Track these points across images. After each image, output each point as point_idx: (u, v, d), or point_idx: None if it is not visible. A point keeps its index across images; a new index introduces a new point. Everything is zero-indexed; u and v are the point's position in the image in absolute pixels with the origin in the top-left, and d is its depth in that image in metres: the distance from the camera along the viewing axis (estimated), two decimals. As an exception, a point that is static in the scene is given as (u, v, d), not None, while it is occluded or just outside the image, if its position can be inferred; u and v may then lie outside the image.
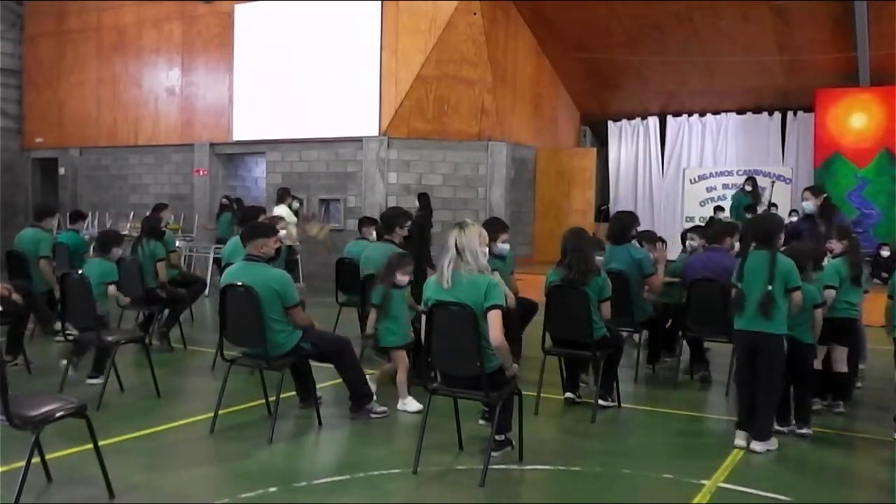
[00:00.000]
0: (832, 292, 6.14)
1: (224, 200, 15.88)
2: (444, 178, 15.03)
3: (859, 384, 7.19)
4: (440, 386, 4.93)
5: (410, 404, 6.13)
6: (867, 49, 14.29)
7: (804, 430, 5.73)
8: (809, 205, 8.06)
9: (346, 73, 15.32)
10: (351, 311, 8.54)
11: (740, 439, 5.48)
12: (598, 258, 6.54)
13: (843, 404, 6.50)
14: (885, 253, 12.54)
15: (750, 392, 5.45)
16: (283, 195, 12.64)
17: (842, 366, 6.40)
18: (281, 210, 12.53)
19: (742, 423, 5.52)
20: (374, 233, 8.57)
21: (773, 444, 5.44)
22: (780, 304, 5.30)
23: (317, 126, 15.64)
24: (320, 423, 5.75)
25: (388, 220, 7.31)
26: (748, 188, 14.42)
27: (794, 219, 13.18)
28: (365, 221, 9.29)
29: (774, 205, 14.08)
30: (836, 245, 6.53)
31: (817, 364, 6.25)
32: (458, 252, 4.69)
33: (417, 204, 13.60)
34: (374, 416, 5.95)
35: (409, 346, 6.26)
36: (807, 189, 8.46)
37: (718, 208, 14.76)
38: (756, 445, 5.39)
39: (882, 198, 14.87)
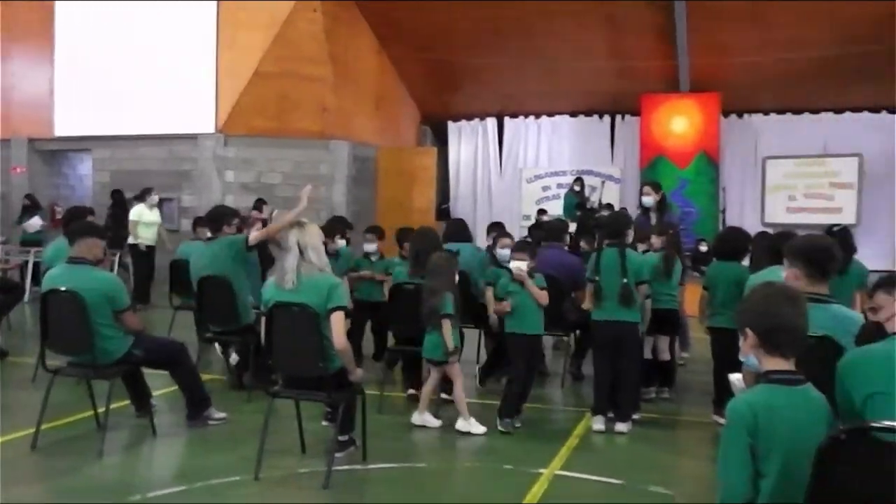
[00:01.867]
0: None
1: (26, 201, 14.87)
2: (284, 176, 14.79)
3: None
4: (281, 388, 4.86)
5: (475, 426, 5.75)
6: (687, 57, 15.27)
7: (635, 416, 6.05)
8: (649, 199, 8.43)
9: (180, 67, 14.76)
10: (186, 315, 8.20)
11: (599, 423, 5.78)
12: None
13: (668, 390, 6.94)
14: (704, 248, 13.45)
15: (609, 378, 5.78)
16: (143, 194, 12.05)
17: (666, 354, 6.85)
18: (138, 210, 11.96)
19: (600, 408, 5.80)
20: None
21: (629, 426, 5.83)
22: (635, 295, 5.71)
23: (150, 122, 14.97)
24: (155, 432, 5.52)
25: (215, 220, 7.05)
26: (577, 188, 15.19)
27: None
28: (200, 221, 8.98)
29: (610, 205, 14.81)
30: (656, 241, 6.94)
31: (647, 353, 6.65)
32: (301, 251, 4.63)
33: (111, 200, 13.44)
34: (212, 422, 5.77)
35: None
36: (647, 184, 8.81)
37: (542, 211, 15.35)
38: (622, 426, 5.77)
39: (701, 197, 15.98)
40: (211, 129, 14.65)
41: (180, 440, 5.54)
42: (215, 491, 4.52)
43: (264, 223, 7.76)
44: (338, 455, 4.84)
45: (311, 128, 14.85)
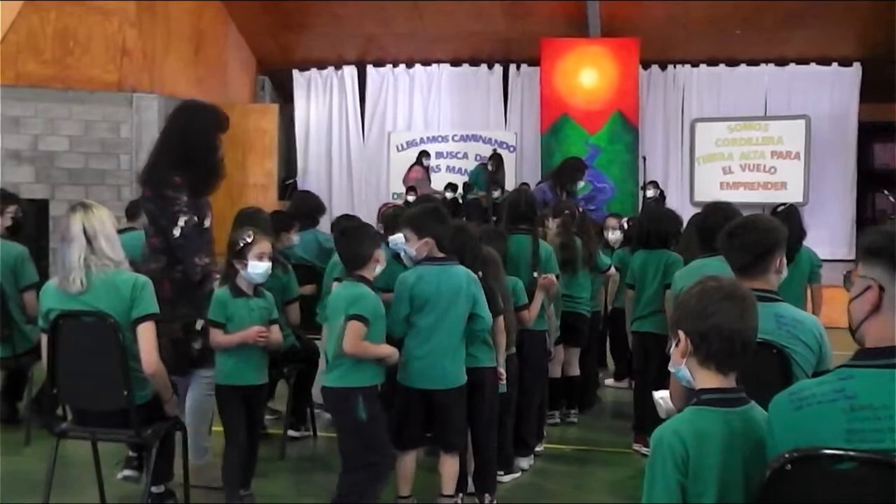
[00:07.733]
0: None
1: None
2: (70, 141, 14.27)
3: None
4: (71, 426, 4.71)
5: None
6: (597, -7, 15.67)
7: (537, 447, 6.20)
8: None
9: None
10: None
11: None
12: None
13: (576, 413, 7.15)
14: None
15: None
16: None
17: (573, 369, 7.03)
18: None
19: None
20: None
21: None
22: None
23: None
24: None
25: None
26: (491, 167, 15.34)
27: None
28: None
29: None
30: (551, 224, 6.96)
31: (555, 371, 6.81)
32: (89, 241, 4.46)
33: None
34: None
35: None
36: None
37: (450, 185, 15.50)
38: (522, 462, 5.94)
39: (615, 169, 16.28)
40: (-34, 76, 14.02)
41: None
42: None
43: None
44: (151, 513, 4.76)
45: (106, 77, 14.39)
